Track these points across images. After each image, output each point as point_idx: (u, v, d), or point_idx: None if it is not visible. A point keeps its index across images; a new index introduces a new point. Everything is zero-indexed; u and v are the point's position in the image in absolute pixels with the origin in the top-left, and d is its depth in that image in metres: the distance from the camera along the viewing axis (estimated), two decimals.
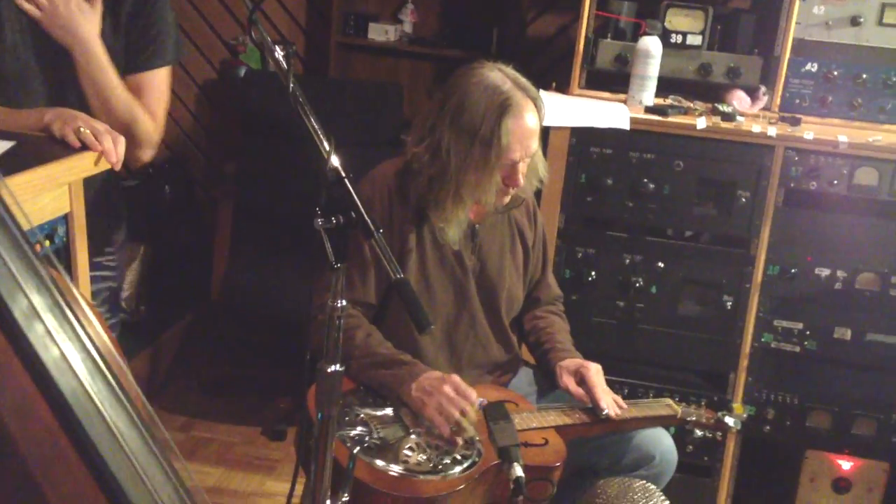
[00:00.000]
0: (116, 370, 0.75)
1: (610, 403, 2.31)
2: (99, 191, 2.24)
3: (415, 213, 2.34)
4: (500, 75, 2.27)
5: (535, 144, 2.30)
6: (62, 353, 0.69)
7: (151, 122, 2.18)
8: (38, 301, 0.68)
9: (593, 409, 2.34)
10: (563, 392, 2.39)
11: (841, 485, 3.09)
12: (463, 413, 2.10)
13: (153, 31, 2.18)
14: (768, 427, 3.08)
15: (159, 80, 2.21)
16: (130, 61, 2.16)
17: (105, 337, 0.79)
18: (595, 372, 2.36)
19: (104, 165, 1.84)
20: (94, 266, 2.30)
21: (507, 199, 2.36)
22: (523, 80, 2.29)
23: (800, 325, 3.02)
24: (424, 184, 2.30)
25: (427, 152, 2.28)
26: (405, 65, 4.47)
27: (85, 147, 1.81)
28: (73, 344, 0.70)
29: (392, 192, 2.33)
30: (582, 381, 2.36)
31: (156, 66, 2.18)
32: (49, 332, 0.68)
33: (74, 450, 0.69)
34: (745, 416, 2.76)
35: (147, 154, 2.22)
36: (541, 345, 2.53)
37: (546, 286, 2.64)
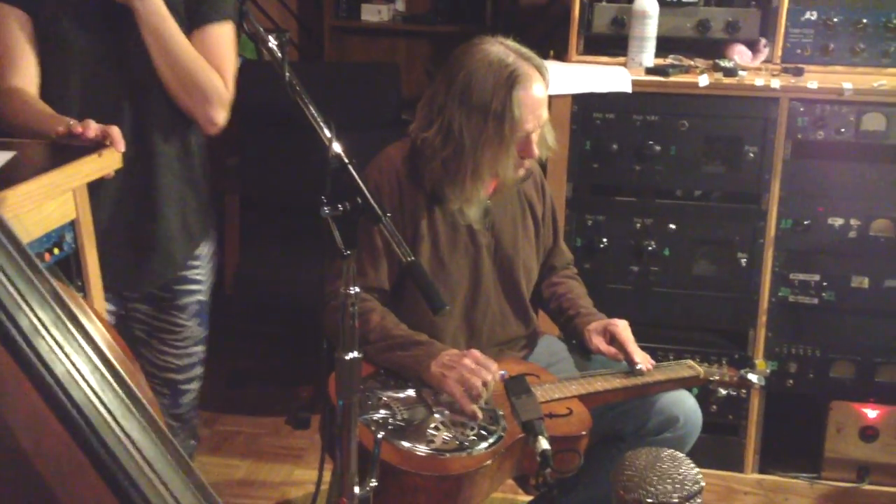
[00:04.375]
0: (127, 377, 0.75)
1: (643, 358, 2.35)
2: (176, 209, 2.25)
3: (427, 198, 2.33)
4: (502, 48, 2.25)
5: (545, 113, 2.29)
6: (69, 368, 0.68)
7: (219, 78, 2.16)
8: (43, 316, 0.67)
9: (614, 375, 2.35)
10: (601, 359, 2.41)
11: (868, 433, 3.08)
12: (485, 384, 2.11)
13: None
14: (791, 381, 3.06)
15: (220, 36, 2.18)
16: (191, 19, 2.14)
17: (114, 345, 0.78)
18: (623, 328, 2.39)
19: (113, 163, 1.84)
20: (180, 280, 2.31)
21: (521, 172, 2.36)
22: (526, 51, 2.27)
23: (816, 277, 3.00)
24: (439, 167, 2.29)
25: (438, 135, 2.26)
26: (401, 44, 4.45)
27: (86, 152, 1.80)
28: (80, 356, 0.69)
29: (401, 177, 2.32)
30: (612, 339, 2.38)
31: (214, 20, 2.16)
32: (55, 348, 0.68)
33: (89, 462, 0.68)
34: (767, 371, 2.76)
35: (220, 115, 2.19)
36: (564, 311, 2.54)
37: (559, 252, 2.64)
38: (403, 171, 2.33)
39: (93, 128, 1.84)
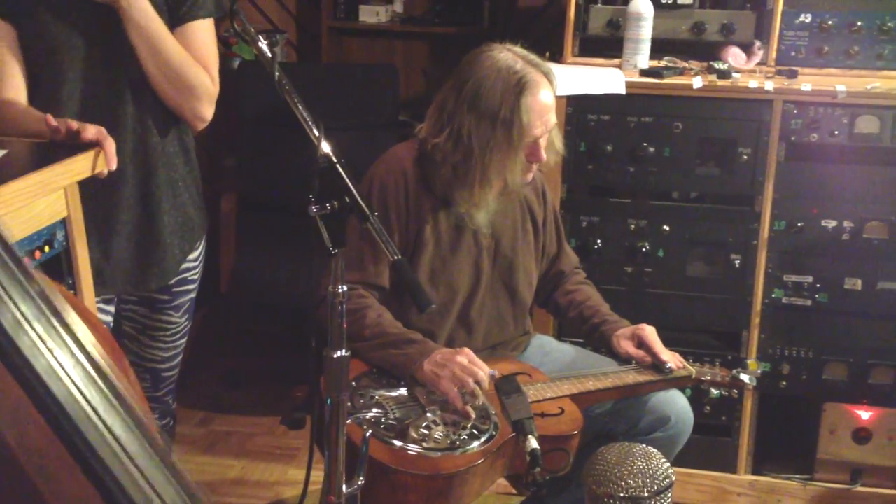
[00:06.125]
0: (113, 374, 0.75)
1: (670, 358, 2.42)
2: (176, 207, 2.25)
3: (434, 199, 2.35)
4: (510, 55, 2.29)
5: (553, 118, 2.32)
6: (52, 362, 0.69)
7: (205, 74, 2.17)
8: (25, 311, 0.68)
9: (606, 375, 2.37)
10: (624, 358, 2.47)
11: (861, 434, 3.08)
12: (478, 382, 2.12)
13: None
14: (784, 382, 3.07)
15: (204, 33, 2.19)
16: (173, 16, 2.14)
17: (99, 344, 0.79)
18: (651, 332, 2.46)
19: (102, 165, 1.84)
20: (179, 282, 2.31)
21: (530, 176, 2.38)
22: (534, 57, 2.31)
23: (809, 279, 3.00)
24: (449, 172, 2.31)
25: (448, 141, 2.29)
26: (398, 45, 4.45)
27: (77, 151, 1.81)
28: (63, 351, 0.70)
29: (409, 177, 2.35)
30: (640, 343, 2.44)
31: (198, 16, 2.17)
32: (37, 342, 0.68)
33: (72, 457, 0.69)
34: (759, 372, 2.76)
35: (208, 110, 2.20)
36: (587, 319, 2.57)
37: (565, 256, 2.67)
38: (412, 172, 2.35)
39: (91, 130, 1.85)
